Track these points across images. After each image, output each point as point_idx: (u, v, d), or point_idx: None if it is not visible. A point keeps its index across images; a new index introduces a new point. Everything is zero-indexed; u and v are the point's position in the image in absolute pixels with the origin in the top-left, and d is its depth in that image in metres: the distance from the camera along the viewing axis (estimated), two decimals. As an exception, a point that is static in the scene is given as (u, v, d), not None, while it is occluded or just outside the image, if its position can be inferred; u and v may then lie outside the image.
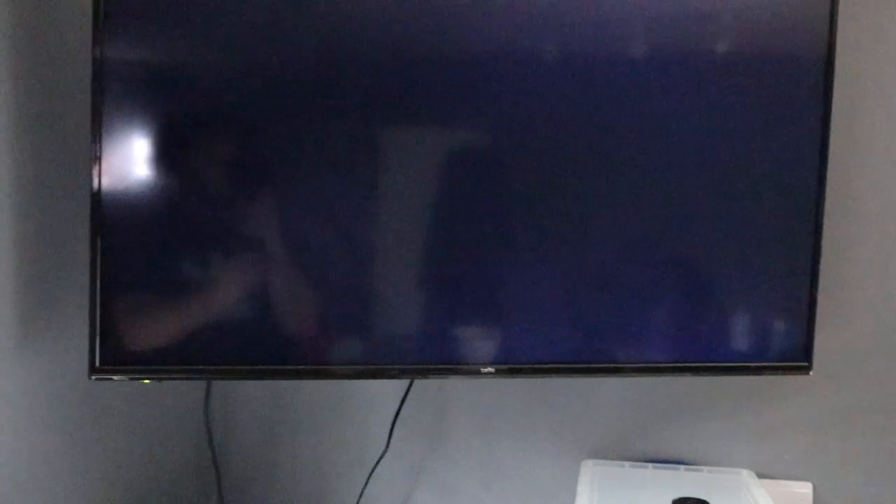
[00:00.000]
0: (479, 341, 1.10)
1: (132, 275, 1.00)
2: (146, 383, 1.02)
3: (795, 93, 1.11)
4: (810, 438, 1.27)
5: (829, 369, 1.23)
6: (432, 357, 1.09)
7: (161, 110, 1.00)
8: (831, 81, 1.10)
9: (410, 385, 1.27)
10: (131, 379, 1.01)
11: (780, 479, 1.27)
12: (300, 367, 1.08)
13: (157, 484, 1.27)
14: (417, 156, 1.07)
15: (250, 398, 1.38)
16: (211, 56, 1.01)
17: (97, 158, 0.97)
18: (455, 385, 1.33)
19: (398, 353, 1.10)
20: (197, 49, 1.00)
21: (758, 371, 1.16)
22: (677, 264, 1.13)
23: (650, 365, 1.14)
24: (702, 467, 1.27)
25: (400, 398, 1.28)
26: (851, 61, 1.17)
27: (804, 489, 1.26)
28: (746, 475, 1.24)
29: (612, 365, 1.13)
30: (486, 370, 1.08)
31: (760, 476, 1.25)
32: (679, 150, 1.09)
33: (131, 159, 0.99)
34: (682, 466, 1.27)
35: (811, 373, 1.15)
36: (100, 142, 0.97)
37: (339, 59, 1.03)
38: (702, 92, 1.09)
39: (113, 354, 0.99)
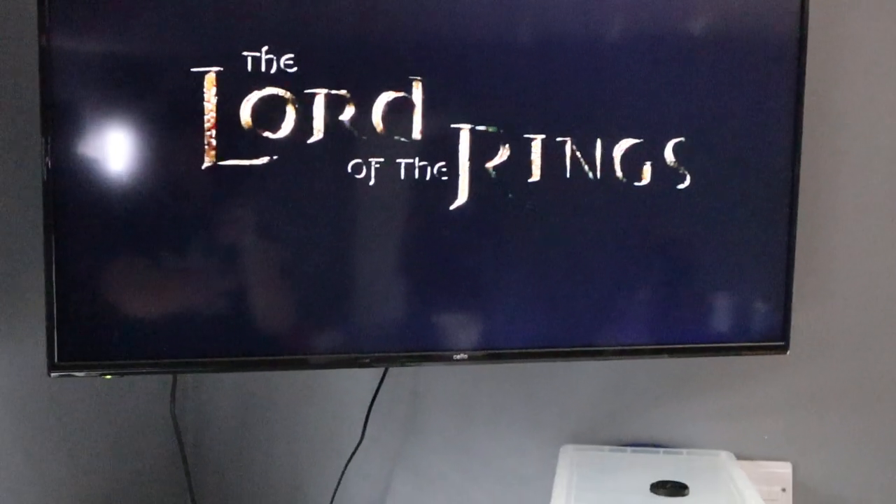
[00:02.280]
0: (452, 328, 1.08)
1: (90, 267, 0.97)
2: (109, 379, 0.99)
3: (768, 76, 1.10)
4: (788, 418, 1.26)
5: (807, 349, 1.22)
6: (405, 344, 1.07)
7: (115, 98, 0.97)
8: (804, 64, 1.10)
9: (385, 373, 1.25)
10: (92, 375, 0.98)
11: (759, 459, 1.26)
12: (270, 357, 1.05)
13: (126, 485, 1.24)
14: (386, 142, 1.04)
15: (221, 392, 1.36)
16: (165, 43, 0.97)
17: (48, 147, 0.93)
18: (431, 372, 1.31)
19: (371, 341, 1.08)
20: (151, 35, 0.97)
21: (735, 351, 1.16)
22: (654, 246, 1.11)
23: (627, 347, 1.13)
24: (681, 450, 1.26)
25: (375, 386, 1.26)
26: (823, 44, 1.17)
27: (783, 469, 1.25)
28: (725, 457, 1.23)
29: (589, 348, 1.12)
30: (458, 357, 1.06)
31: (739, 457, 1.24)
32: (657, 135, 1.08)
33: (85, 148, 0.95)
34: (661, 450, 1.26)
35: (788, 353, 1.14)
36: (51, 131, 0.93)
37: (306, 45, 1.00)
38: (675, 76, 1.08)
39: (73, 349, 0.96)
